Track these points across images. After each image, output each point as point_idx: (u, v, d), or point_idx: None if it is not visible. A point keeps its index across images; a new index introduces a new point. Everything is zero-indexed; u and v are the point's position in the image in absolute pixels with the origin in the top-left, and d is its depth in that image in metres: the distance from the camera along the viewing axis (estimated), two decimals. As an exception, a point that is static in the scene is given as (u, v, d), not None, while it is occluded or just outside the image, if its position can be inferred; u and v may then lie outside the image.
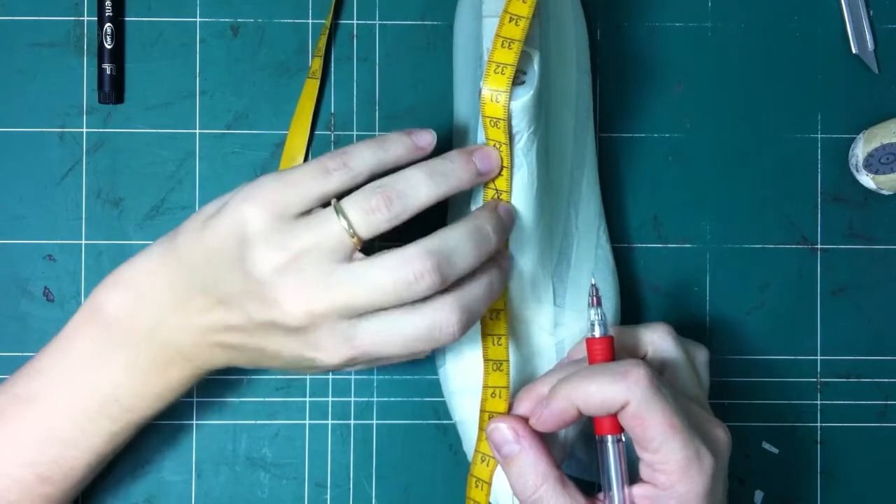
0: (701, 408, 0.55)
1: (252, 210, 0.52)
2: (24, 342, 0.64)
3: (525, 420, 0.55)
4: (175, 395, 0.56)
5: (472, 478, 0.58)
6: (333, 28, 0.65)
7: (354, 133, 0.65)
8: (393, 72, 0.65)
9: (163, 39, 0.65)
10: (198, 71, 0.65)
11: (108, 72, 0.64)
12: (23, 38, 0.65)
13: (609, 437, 0.54)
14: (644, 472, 0.53)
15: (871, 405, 0.66)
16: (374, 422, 0.65)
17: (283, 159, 0.65)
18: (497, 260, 0.56)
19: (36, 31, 0.65)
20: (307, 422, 0.65)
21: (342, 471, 0.65)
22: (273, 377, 0.65)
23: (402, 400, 0.65)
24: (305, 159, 0.65)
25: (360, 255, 0.52)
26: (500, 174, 0.55)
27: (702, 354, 0.59)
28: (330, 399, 0.65)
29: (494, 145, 0.54)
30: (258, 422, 0.65)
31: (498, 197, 0.55)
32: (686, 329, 0.65)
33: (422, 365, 0.64)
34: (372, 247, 0.59)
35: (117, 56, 0.64)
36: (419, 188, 0.52)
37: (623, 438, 0.54)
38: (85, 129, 0.65)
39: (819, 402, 0.66)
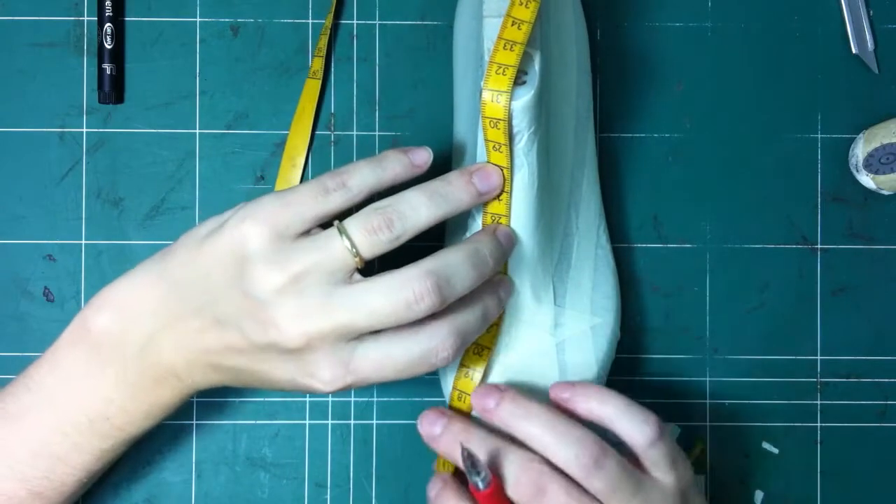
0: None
1: (253, 229, 0.52)
2: (24, 342, 0.64)
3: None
4: (165, 414, 0.56)
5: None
6: (333, 28, 0.65)
7: (354, 133, 0.65)
8: (393, 72, 0.65)
9: (163, 39, 0.65)
10: (198, 71, 0.65)
11: (108, 72, 0.64)
12: (23, 38, 0.65)
13: None
14: None
15: (871, 405, 0.66)
16: (374, 422, 0.65)
17: (284, 159, 0.65)
18: (495, 287, 0.56)
19: (36, 31, 0.65)
20: (307, 422, 0.65)
21: (342, 471, 0.65)
22: (273, 377, 0.65)
23: (402, 400, 0.65)
24: (306, 160, 0.65)
25: (358, 276, 0.52)
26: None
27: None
28: (330, 399, 0.65)
29: (493, 146, 0.54)
30: (258, 422, 0.65)
31: (499, 199, 0.55)
32: (686, 329, 0.65)
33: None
34: (370, 271, 0.59)
35: (117, 56, 0.64)
36: (419, 209, 0.52)
37: None
38: (85, 129, 0.65)
39: (819, 402, 0.66)
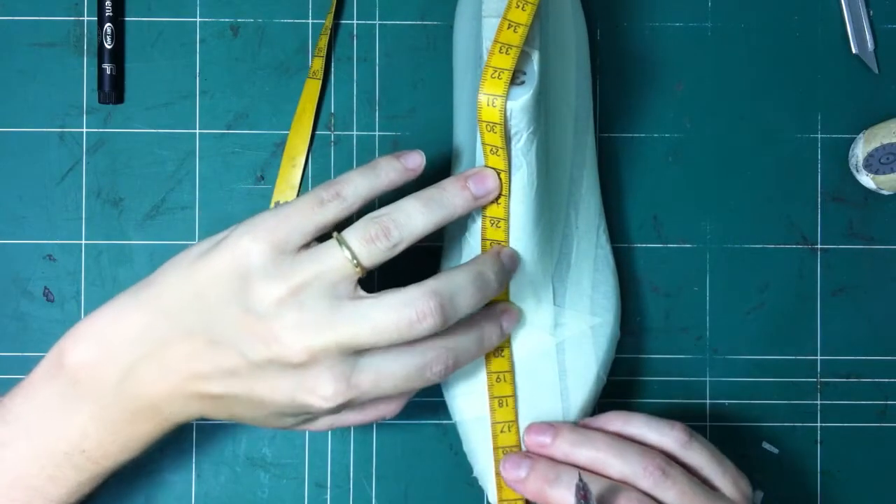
0: None
1: (253, 245, 0.52)
2: (24, 342, 0.64)
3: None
4: (143, 448, 0.55)
5: (500, 475, 0.59)
6: (333, 28, 0.65)
7: (354, 133, 0.65)
8: (393, 72, 0.65)
9: (163, 39, 0.65)
10: (198, 71, 0.65)
11: (108, 72, 0.64)
12: (23, 38, 0.65)
13: None
14: None
15: (870, 405, 0.66)
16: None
17: (284, 160, 0.65)
18: (498, 316, 0.57)
19: (36, 31, 0.65)
20: (307, 422, 0.65)
21: (342, 471, 0.65)
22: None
23: (402, 400, 0.65)
24: (306, 160, 0.65)
25: (362, 292, 0.52)
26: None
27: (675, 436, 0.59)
28: (330, 399, 0.65)
29: (491, 149, 0.54)
30: (258, 422, 0.65)
31: (497, 202, 0.55)
32: (686, 329, 0.65)
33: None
34: (371, 283, 0.59)
35: (117, 56, 0.64)
36: (415, 217, 0.53)
37: None
38: (85, 129, 0.65)
39: (819, 402, 0.66)
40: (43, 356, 0.64)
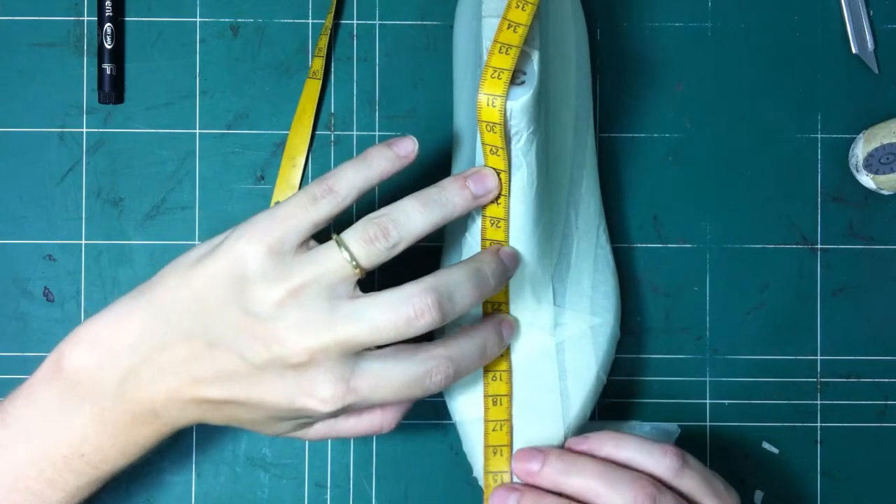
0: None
1: (249, 247, 0.52)
2: (24, 342, 0.64)
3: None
4: (141, 453, 0.55)
5: (488, 474, 0.58)
6: (333, 28, 0.65)
7: (354, 133, 0.65)
8: (393, 72, 0.65)
9: (163, 39, 0.65)
10: (198, 71, 0.65)
11: (108, 72, 0.64)
12: (23, 38, 0.65)
13: None
14: None
15: (871, 405, 0.66)
16: (374, 422, 0.65)
17: (284, 159, 0.65)
18: (498, 324, 0.57)
19: (36, 31, 0.65)
20: (307, 422, 0.65)
21: (342, 471, 0.65)
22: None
23: (402, 400, 0.65)
24: (306, 160, 0.65)
25: (360, 292, 0.52)
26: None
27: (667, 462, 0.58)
28: (330, 399, 0.65)
29: (491, 149, 0.54)
30: (258, 422, 0.65)
31: (497, 202, 0.55)
32: (686, 329, 0.65)
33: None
34: (370, 285, 0.59)
35: (117, 56, 0.65)
36: (414, 217, 0.52)
37: None
38: (85, 129, 0.65)
39: (819, 402, 0.66)
40: (43, 356, 0.64)
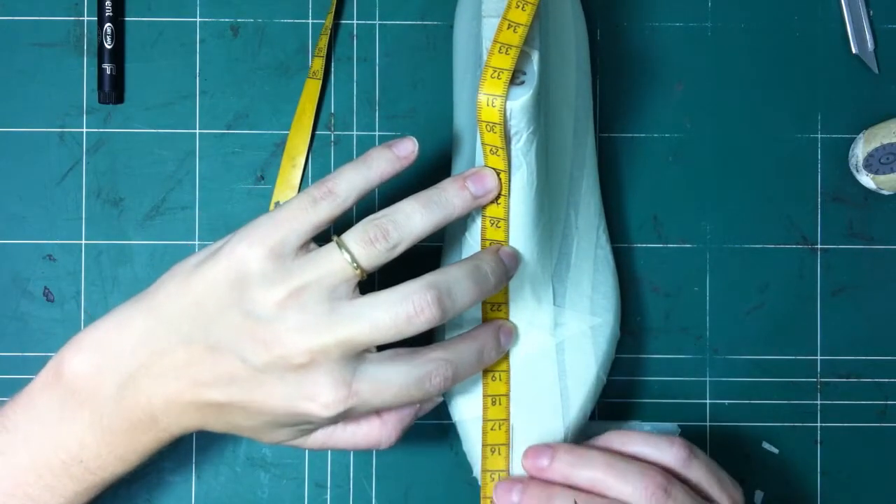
0: None
1: (250, 250, 0.52)
2: (24, 342, 0.64)
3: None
4: (140, 460, 0.55)
5: (485, 473, 0.58)
6: (333, 28, 0.65)
7: (354, 133, 0.65)
8: (393, 72, 0.65)
9: (163, 39, 0.65)
10: (198, 71, 0.65)
11: (108, 72, 0.64)
12: (23, 38, 0.65)
13: None
14: None
15: (871, 405, 0.66)
16: (374, 422, 0.65)
17: (284, 159, 0.65)
18: (496, 330, 0.57)
19: (36, 31, 0.65)
20: (307, 422, 0.65)
21: (342, 471, 0.65)
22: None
23: (402, 400, 0.65)
24: (306, 160, 0.65)
25: (360, 294, 0.52)
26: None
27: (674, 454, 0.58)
28: (330, 399, 0.65)
29: (490, 149, 0.54)
30: (258, 422, 0.65)
31: (497, 202, 0.55)
32: (686, 329, 0.65)
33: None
34: (371, 288, 0.59)
35: (117, 56, 0.65)
36: (414, 217, 0.52)
37: None
38: (85, 129, 0.65)
39: (819, 402, 0.66)
40: (43, 356, 0.64)
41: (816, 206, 0.66)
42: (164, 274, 0.54)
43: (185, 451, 0.65)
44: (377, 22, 0.65)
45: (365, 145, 0.65)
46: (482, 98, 0.52)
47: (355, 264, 0.52)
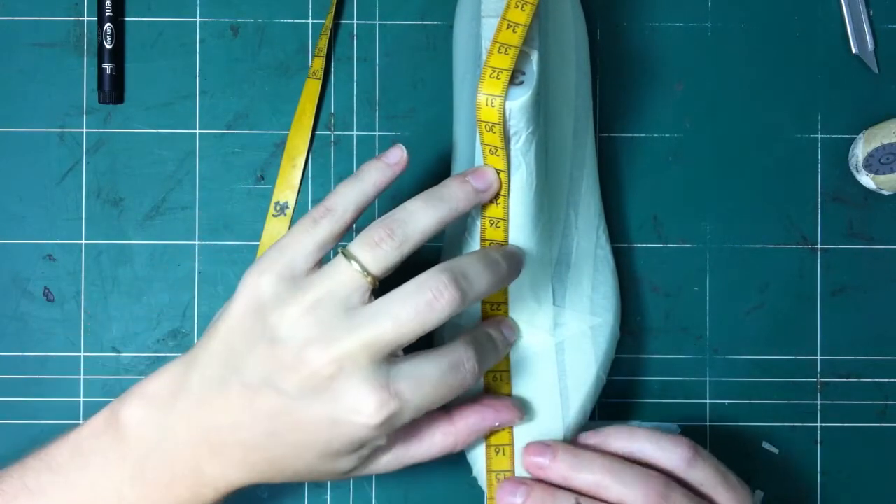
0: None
1: (261, 278, 0.52)
2: (24, 342, 0.64)
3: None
4: None
5: (490, 473, 0.58)
6: (333, 28, 0.65)
7: (354, 133, 0.65)
8: (393, 72, 0.65)
9: (163, 39, 0.65)
10: (198, 71, 0.65)
11: (108, 72, 0.64)
12: (23, 38, 0.65)
13: None
14: None
15: (871, 405, 0.66)
16: (374, 422, 0.65)
17: (284, 159, 0.65)
18: (497, 323, 0.58)
19: (36, 31, 0.65)
20: (307, 422, 0.65)
21: (342, 471, 0.65)
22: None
23: (401, 400, 0.65)
24: (306, 160, 0.65)
25: (373, 300, 0.52)
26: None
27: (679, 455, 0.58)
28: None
29: (490, 149, 0.54)
30: (258, 422, 0.65)
31: (496, 202, 0.55)
32: (686, 329, 0.65)
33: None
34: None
35: (117, 56, 0.65)
36: (417, 214, 0.52)
37: None
38: (85, 129, 0.65)
39: (819, 402, 0.66)
40: (42, 356, 0.64)
41: (816, 206, 0.66)
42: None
43: (185, 451, 0.65)
44: (377, 22, 0.65)
45: (365, 145, 0.65)
46: (481, 98, 0.52)
47: (365, 271, 0.52)
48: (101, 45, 0.64)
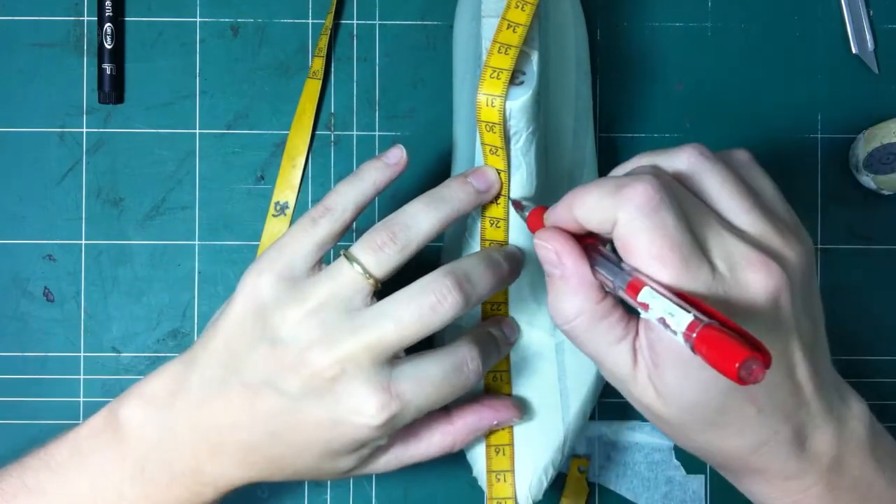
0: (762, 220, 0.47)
1: (259, 279, 0.52)
2: (24, 342, 0.64)
3: (573, 241, 0.48)
4: None
5: (490, 473, 0.58)
6: (333, 28, 0.65)
7: (354, 133, 0.65)
8: (393, 72, 0.65)
9: (163, 39, 0.65)
10: (198, 71, 0.65)
11: (108, 72, 0.64)
12: (23, 38, 0.65)
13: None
14: None
15: (870, 405, 0.66)
16: (374, 422, 0.65)
17: (284, 159, 0.65)
18: (498, 322, 0.57)
19: (36, 31, 0.65)
20: (307, 422, 0.65)
21: (342, 471, 0.65)
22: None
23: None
24: (306, 160, 0.65)
25: (376, 301, 0.52)
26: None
27: (741, 156, 0.50)
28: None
29: (490, 149, 0.54)
30: (258, 422, 0.65)
31: (496, 202, 0.55)
32: (686, 329, 0.65)
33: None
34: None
35: (117, 56, 0.65)
36: (419, 217, 0.52)
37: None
38: (85, 129, 0.65)
39: (819, 402, 0.65)
40: (42, 356, 0.64)
41: (816, 206, 0.66)
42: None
43: (185, 450, 0.65)
44: (377, 22, 0.65)
45: (365, 145, 0.65)
46: (481, 98, 0.52)
47: (367, 274, 0.52)
48: (101, 45, 0.64)
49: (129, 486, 0.54)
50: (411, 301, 0.51)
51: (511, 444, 0.59)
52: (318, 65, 0.65)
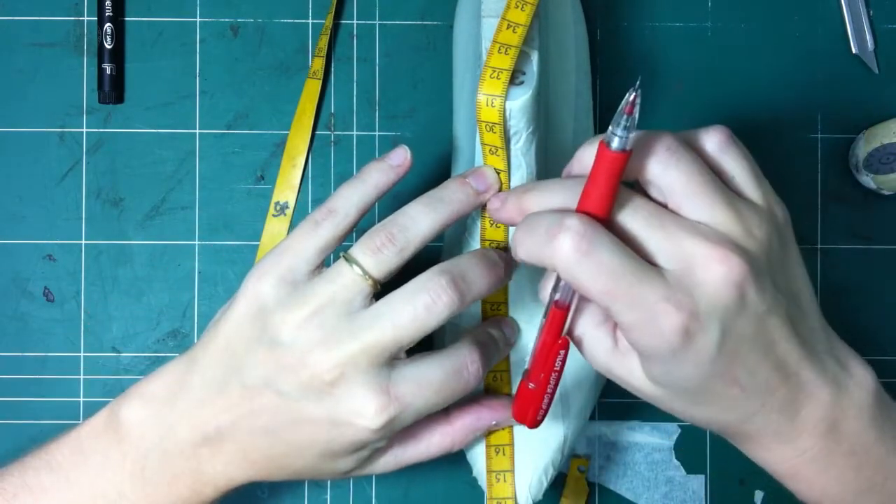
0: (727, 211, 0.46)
1: (261, 282, 0.52)
2: (24, 342, 0.64)
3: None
4: None
5: (490, 473, 0.58)
6: (333, 28, 0.65)
7: (354, 133, 0.65)
8: (393, 72, 0.65)
9: (163, 39, 0.65)
10: (198, 71, 0.65)
11: (108, 72, 0.64)
12: (23, 38, 0.65)
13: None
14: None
15: (871, 405, 0.66)
16: (374, 422, 0.65)
17: (284, 159, 0.65)
18: (498, 322, 0.57)
19: (36, 31, 0.65)
20: (307, 422, 0.65)
21: (342, 471, 0.65)
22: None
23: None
24: (306, 160, 0.65)
25: (374, 300, 0.52)
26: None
27: (715, 137, 0.49)
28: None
29: (490, 149, 0.54)
30: (258, 422, 0.65)
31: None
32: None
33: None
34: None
35: (117, 56, 0.65)
36: (418, 218, 0.52)
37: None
38: (85, 129, 0.65)
39: (819, 402, 0.65)
40: (42, 356, 0.64)
41: (816, 206, 0.66)
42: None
43: (185, 450, 0.65)
44: (377, 22, 0.65)
45: (365, 145, 0.65)
46: (481, 98, 0.52)
47: (366, 275, 0.51)
48: (101, 45, 0.64)
49: (129, 486, 0.54)
50: (407, 302, 0.51)
51: (511, 444, 0.59)
52: (318, 65, 0.65)
